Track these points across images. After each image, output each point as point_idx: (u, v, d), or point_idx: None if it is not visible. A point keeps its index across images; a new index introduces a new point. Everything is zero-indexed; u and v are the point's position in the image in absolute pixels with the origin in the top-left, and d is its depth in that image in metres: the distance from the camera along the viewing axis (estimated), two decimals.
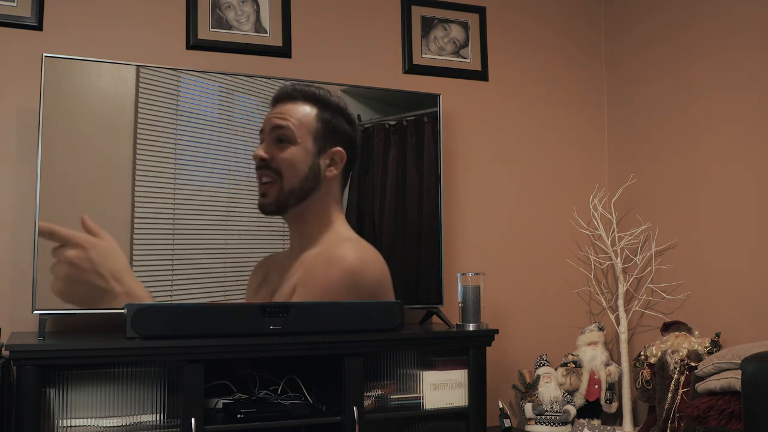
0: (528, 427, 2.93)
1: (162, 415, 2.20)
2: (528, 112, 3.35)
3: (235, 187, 2.55)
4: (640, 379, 2.82)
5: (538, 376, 2.97)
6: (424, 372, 2.54)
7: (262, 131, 2.63)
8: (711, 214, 2.91)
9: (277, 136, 2.63)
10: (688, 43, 3.04)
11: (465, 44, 3.23)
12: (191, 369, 2.18)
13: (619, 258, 3.14)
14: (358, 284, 2.65)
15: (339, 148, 2.70)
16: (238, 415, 2.25)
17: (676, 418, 2.58)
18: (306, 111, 2.68)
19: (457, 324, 2.66)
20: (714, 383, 2.18)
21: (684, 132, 3.04)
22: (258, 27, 2.90)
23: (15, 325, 2.50)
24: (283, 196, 2.62)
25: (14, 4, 2.59)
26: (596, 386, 2.99)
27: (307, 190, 2.64)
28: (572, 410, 2.92)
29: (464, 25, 3.24)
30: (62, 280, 2.32)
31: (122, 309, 2.30)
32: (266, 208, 2.61)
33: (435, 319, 2.89)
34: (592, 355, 3.03)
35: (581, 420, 2.94)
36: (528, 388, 2.97)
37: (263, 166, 2.61)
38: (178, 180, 2.47)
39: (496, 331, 2.61)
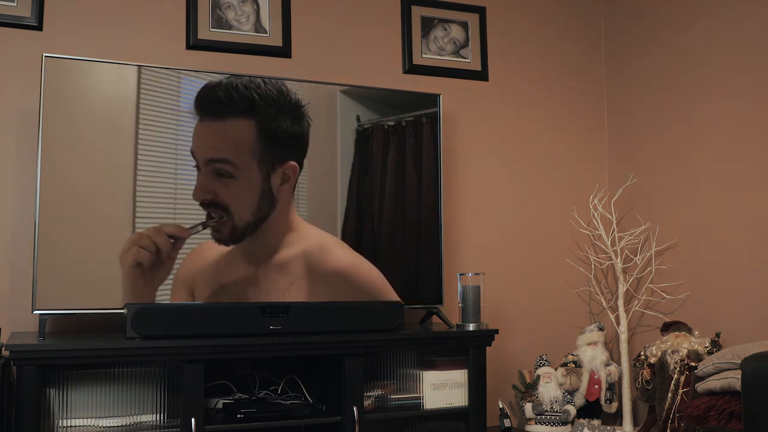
0: (528, 427, 2.93)
1: (162, 415, 2.20)
2: (528, 111, 3.35)
3: None
4: (640, 379, 2.82)
5: (538, 376, 2.97)
6: (424, 372, 2.54)
7: (193, 153, 2.41)
8: (711, 214, 2.91)
9: (215, 169, 2.40)
10: (688, 43, 3.04)
11: (465, 44, 3.23)
12: (191, 369, 2.18)
13: (619, 258, 3.14)
14: (362, 273, 2.62)
15: (291, 163, 2.48)
16: (238, 415, 2.25)
17: (676, 418, 2.58)
18: (243, 130, 2.39)
19: (457, 324, 2.66)
20: (714, 383, 2.17)
21: (684, 132, 3.04)
22: (258, 27, 2.90)
23: (15, 325, 2.50)
24: (238, 231, 2.44)
25: (14, 4, 2.59)
26: (596, 386, 2.99)
27: (263, 217, 2.47)
28: (572, 410, 2.92)
29: (464, 25, 3.24)
30: None
31: (122, 309, 2.30)
32: (223, 242, 2.44)
33: (435, 319, 2.89)
34: (592, 355, 3.03)
35: (581, 420, 2.94)
36: (528, 388, 2.97)
37: (209, 203, 2.41)
38: (179, 180, 2.46)
39: (496, 331, 2.61)
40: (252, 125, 2.45)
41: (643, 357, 2.83)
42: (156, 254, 2.36)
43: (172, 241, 2.38)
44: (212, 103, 2.43)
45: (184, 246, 2.43)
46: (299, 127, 2.54)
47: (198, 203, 2.45)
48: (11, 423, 2.14)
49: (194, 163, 2.45)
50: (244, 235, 2.48)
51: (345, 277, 2.60)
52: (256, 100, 2.45)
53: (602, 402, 3.01)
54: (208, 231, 2.45)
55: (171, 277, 2.41)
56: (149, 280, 2.36)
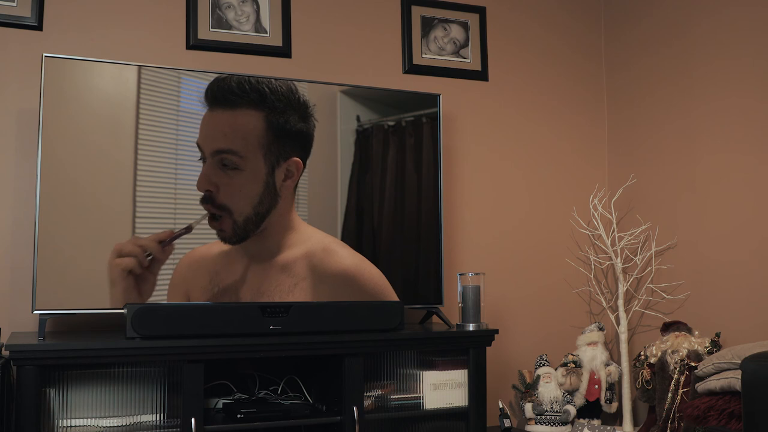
0: (528, 427, 2.93)
1: (162, 415, 2.20)
2: (528, 111, 3.35)
3: None
4: (640, 379, 2.82)
5: (538, 376, 2.97)
6: (424, 372, 2.54)
7: (199, 146, 2.42)
8: (711, 213, 2.91)
9: (221, 160, 2.41)
10: (688, 44, 3.04)
11: (465, 44, 3.23)
12: (191, 369, 2.18)
13: (619, 258, 3.14)
14: (366, 275, 2.61)
15: (295, 159, 2.49)
16: (238, 415, 2.25)
17: (676, 418, 2.58)
18: (252, 121, 2.40)
19: (457, 324, 2.66)
20: (714, 383, 2.18)
21: (684, 132, 3.04)
22: (258, 27, 2.90)
23: (15, 325, 2.50)
24: (239, 228, 2.44)
25: (14, 4, 2.59)
26: (596, 386, 2.99)
27: (265, 212, 2.47)
28: (572, 410, 2.92)
29: (464, 25, 3.24)
30: None
31: (122, 309, 2.30)
32: (228, 240, 2.44)
33: (435, 319, 2.89)
34: (592, 355, 3.03)
35: (581, 420, 2.94)
36: (528, 388, 2.97)
37: (208, 199, 2.42)
38: (179, 180, 2.46)
39: (496, 331, 2.61)
40: (261, 117, 2.46)
41: (643, 357, 2.83)
42: (144, 258, 2.37)
43: (160, 245, 2.39)
44: (224, 93, 2.45)
45: (182, 246, 2.43)
46: (306, 125, 2.56)
47: (198, 199, 2.45)
48: (11, 423, 2.14)
49: (198, 158, 2.45)
50: (247, 233, 2.48)
51: (349, 279, 2.60)
52: (267, 93, 2.48)
53: (602, 402, 3.01)
54: (204, 231, 2.45)
55: (167, 280, 2.41)
56: (141, 288, 2.37)
